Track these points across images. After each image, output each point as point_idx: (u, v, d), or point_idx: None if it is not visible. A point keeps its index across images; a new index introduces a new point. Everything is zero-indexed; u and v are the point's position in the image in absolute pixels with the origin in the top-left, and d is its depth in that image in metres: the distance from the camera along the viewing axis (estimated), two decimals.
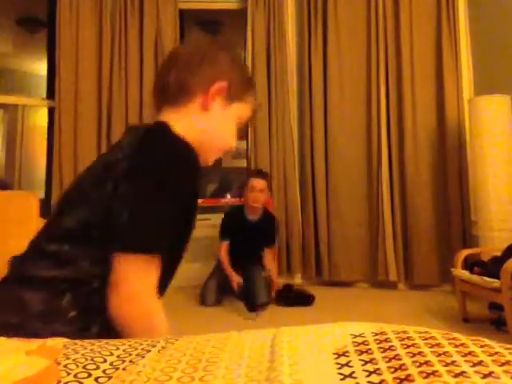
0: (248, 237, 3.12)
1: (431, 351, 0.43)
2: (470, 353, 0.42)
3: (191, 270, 3.43)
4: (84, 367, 0.46)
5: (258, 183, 3.08)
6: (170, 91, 0.92)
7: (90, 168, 0.88)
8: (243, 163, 4.28)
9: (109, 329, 0.76)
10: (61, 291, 0.76)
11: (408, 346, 0.45)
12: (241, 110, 0.96)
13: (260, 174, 3.21)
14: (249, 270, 3.06)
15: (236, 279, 3.05)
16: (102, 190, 0.78)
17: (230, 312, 2.86)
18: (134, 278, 0.75)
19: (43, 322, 0.74)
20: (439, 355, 0.42)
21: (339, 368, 0.43)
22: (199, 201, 3.87)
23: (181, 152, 0.81)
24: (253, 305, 2.83)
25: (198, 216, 4.01)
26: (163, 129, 0.85)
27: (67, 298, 0.75)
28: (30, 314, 0.74)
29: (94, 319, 0.77)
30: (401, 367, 0.41)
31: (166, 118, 0.90)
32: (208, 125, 0.92)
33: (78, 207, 0.80)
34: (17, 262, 0.82)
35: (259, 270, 3.11)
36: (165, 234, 0.77)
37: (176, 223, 0.80)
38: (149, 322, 0.78)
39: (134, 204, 0.76)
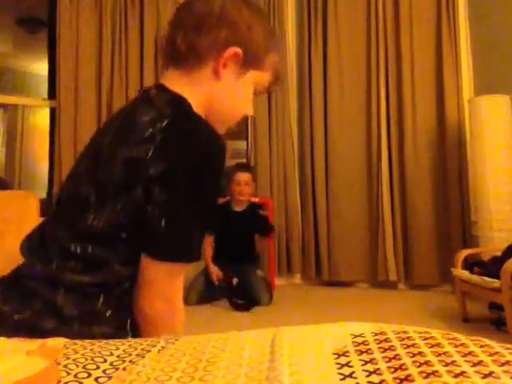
0: (236, 227, 3.12)
1: (431, 351, 0.43)
2: (469, 353, 0.42)
3: (190, 269, 3.42)
4: (84, 367, 0.46)
5: (244, 176, 3.10)
6: (178, 51, 0.82)
7: (99, 158, 0.78)
8: None
9: (136, 327, 0.78)
10: (94, 294, 0.74)
11: (408, 346, 0.45)
12: (259, 77, 0.87)
13: (245, 167, 3.24)
14: (245, 271, 3.06)
15: (215, 271, 3.06)
16: (131, 192, 0.73)
17: (213, 312, 2.85)
18: (168, 280, 0.77)
19: (80, 325, 0.72)
20: (439, 355, 0.42)
21: (339, 368, 0.43)
22: None
23: (215, 149, 0.75)
24: (247, 306, 2.86)
25: None
26: (188, 113, 0.78)
27: (101, 300, 0.75)
28: (65, 318, 0.72)
29: (128, 317, 0.78)
30: (401, 367, 0.41)
31: (174, 82, 0.83)
32: (219, 93, 0.84)
33: (101, 207, 0.74)
34: (37, 256, 0.77)
35: (255, 269, 3.11)
36: (200, 242, 0.77)
37: (206, 224, 0.80)
38: (174, 322, 0.80)
39: (171, 213, 0.73)
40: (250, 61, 0.84)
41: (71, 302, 0.73)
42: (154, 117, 0.75)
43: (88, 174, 0.79)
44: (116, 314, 0.76)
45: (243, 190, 3.09)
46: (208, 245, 3.14)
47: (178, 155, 0.73)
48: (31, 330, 0.69)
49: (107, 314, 0.75)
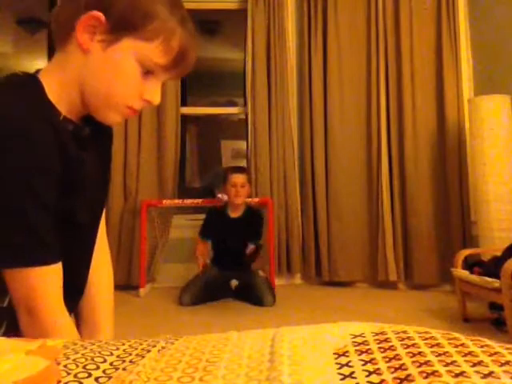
0: (232, 235, 3.12)
1: (431, 351, 0.43)
2: (469, 353, 0.42)
3: (190, 269, 3.42)
4: (84, 367, 0.46)
5: (239, 178, 3.09)
6: (52, 29, 0.74)
7: None
8: (243, 163, 4.28)
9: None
10: None
11: (408, 346, 0.45)
12: (141, 48, 0.72)
13: (240, 169, 3.24)
14: (247, 272, 3.07)
15: (202, 261, 3.14)
16: None
17: (213, 312, 2.85)
18: (24, 289, 0.68)
19: None
20: (439, 355, 0.42)
21: (339, 368, 0.43)
22: (199, 201, 3.81)
23: (10, 131, 0.63)
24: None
25: (197, 216, 3.98)
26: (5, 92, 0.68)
27: None
28: None
29: None
30: (401, 367, 0.41)
31: (48, 64, 0.75)
32: (88, 70, 0.72)
33: None
34: None
35: (257, 270, 3.12)
36: (38, 234, 0.67)
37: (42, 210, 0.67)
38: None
39: None
40: (119, 26, 0.70)
41: None
42: None
43: None
44: None
45: (239, 192, 3.08)
46: (201, 247, 3.21)
47: None
48: None
49: None
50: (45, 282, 0.67)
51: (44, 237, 0.67)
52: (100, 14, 0.69)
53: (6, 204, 0.64)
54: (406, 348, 0.44)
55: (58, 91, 0.72)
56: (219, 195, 3.65)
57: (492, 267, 2.30)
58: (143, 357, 0.49)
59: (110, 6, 0.69)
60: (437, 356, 0.42)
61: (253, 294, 2.97)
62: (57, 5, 0.77)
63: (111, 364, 0.48)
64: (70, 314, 0.75)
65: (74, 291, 0.81)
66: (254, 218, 3.19)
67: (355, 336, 0.49)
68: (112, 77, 0.73)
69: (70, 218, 0.74)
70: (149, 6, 0.71)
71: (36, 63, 5.73)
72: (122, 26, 0.70)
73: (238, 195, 3.08)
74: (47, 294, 0.68)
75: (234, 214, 3.18)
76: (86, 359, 0.48)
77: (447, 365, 0.40)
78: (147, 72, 0.75)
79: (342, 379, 0.41)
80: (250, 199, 3.48)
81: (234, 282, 3.14)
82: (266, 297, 2.94)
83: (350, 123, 3.65)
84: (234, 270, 3.13)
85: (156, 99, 0.77)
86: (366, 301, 3.12)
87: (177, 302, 3.03)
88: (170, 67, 0.76)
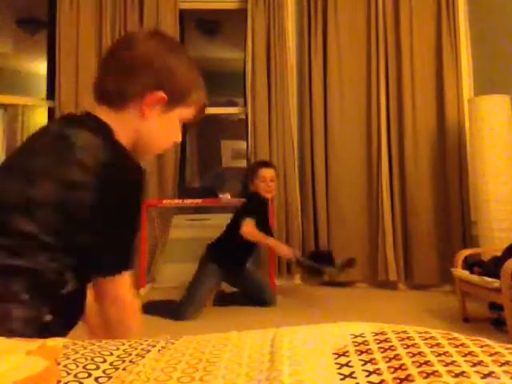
0: (266, 219, 3.06)
1: (431, 351, 0.43)
2: (469, 353, 0.42)
3: (190, 269, 3.42)
4: (84, 367, 0.46)
5: (269, 173, 3.02)
6: (109, 93, 0.91)
7: (29, 177, 0.81)
8: (243, 163, 4.29)
9: (68, 325, 0.84)
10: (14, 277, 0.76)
11: (408, 346, 0.45)
12: (184, 112, 0.96)
13: (268, 164, 3.15)
14: (249, 271, 3.05)
15: (288, 251, 2.86)
16: (62, 212, 0.79)
17: (213, 312, 2.85)
18: (120, 289, 0.85)
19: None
20: (439, 355, 0.42)
21: (339, 368, 0.43)
22: (199, 201, 3.82)
23: (140, 179, 0.86)
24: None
25: (197, 216, 3.97)
26: (116, 143, 0.86)
27: (20, 284, 0.76)
28: None
29: (47, 309, 0.78)
30: (401, 367, 0.41)
31: (103, 115, 0.90)
32: (146, 130, 0.93)
33: (31, 215, 0.78)
34: None
35: (254, 269, 3.10)
36: (131, 253, 0.87)
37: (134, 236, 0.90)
38: (131, 323, 0.88)
39: (109, 235, 0.84)
40: (174, 100, 0.92)
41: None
42: (88, 141, 0.82)
43: (14, 192, 0.80)
44: (33, 300, 0.77)
45: (271, 187, 3.01)
46: (252, 224, 2.82)
47: (113, 186, 0.82)
48: None
49: (22, 298, 0.75)
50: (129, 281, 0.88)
51: (131, 254, 0.89)
52: (164, 96, 0.90)
53: (126, 227, 0.86)
54: (406, 348, 0.44)
55: (120, 139, 0.90)
56: (221, 195, 3.64)
57: (492, 267, 2.30)
58: (143, 357, 0.49)
59: (169, 86, 0.90)
60: (437, 356, 0.42)
61: (256, 294, 2.96)
62: (104, 66, 0.94)
63: (111, 364, 0.48)
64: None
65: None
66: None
67: (355, 336, 0.49)
68: (164, 136, 0.96)
69: None
70: (190, 80, 0.95)
71: (36, 63, 5.73)
72: (176, 100, 0.93)
73: (268, 190, 3.00)
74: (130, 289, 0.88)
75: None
76: (86, 359, 0.48)
77: (447, 365, 0.40)
78: None
79: (342, 379, 0.41)
80: None
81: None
82: (271, 297, 2.93)
83: (350, 123, 3.65)
84: (239, 271, 3.04)
85: (180, 139, 1.00)
86: (366, 301, 3.12)
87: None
88: (196, 119, 1.01)
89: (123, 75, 0.90)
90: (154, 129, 0.93)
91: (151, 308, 2.71)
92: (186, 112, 0.96)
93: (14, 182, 0.81)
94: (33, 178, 0.80)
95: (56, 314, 0.78)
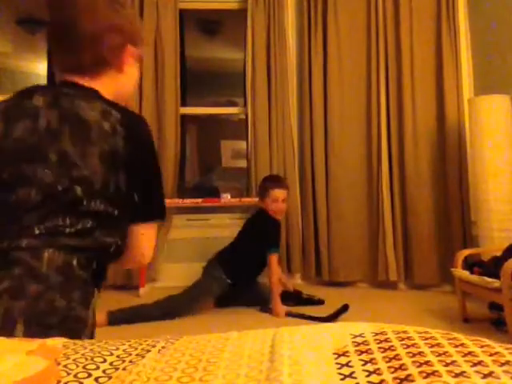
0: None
1: (431, 351, 0.43)
2: (469, 353, 0.42)
3: (190, 269, 3.42)
4: (84, 367, 0.46)
5: (282, 194, 2.92)
6: (87, 66, 0.97)
7: (66, 159, 0.86)
8: (243, 163, 4.28)
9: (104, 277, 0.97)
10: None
11: (408, 346, 0.45)
12: (139, 53, 1.07)
13: (281, 183, 3.00)
14: (254, 284, 3.04)
15: (281, 313, 2.76)
16: (115, 179, 0.89)
17: (213, 312, 2.85)
18: (153, 234, 1.01)
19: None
20: (439, 355, 0.42)
21: (339, 368, 0.43)
22: (199, 201, 3.79)
23: (150, 130, 1.00)
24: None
25: (197, 216, 3.93)
26: (138, 117, 0.98)
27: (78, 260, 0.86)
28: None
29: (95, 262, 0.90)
30: (401, 367, 0.41)
31: (86, 84, 0.96)
32: (123, 84, 1.04)
33: (97, 194, 0.87)
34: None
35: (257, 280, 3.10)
36: (164, 202, 1.02)
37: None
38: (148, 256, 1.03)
39: (148, 186, 0.97)
40: (138, 50, 1.05)
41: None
42: (102, 111, 0.91)
43: (58, 174, 0.86)
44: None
45: (281, 208, 2.92)
46: (275, 259, 2.83)
47: (142, 142, 0.95)
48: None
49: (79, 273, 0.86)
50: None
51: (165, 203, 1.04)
52: (134, 49, 1.03)
53: (159, 179, 1.00)
54: (406, 348, 0.44)
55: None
56: (224, 195, 3.63)
57: (492, 267, 2.30)
58: (143, 357, 0.49)
59: (133, 38, 1.02)
60: (437, 356, 0.42)
61: (260, 296, 2.95)
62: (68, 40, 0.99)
63: (111, 364, 0.48)
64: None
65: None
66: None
67: (355, 336, 0.49)
68: (134, 82, 1.08)
69: None
70: (134, 19, 1.06)
71: (36, 63, 5.73)
72: (138, 49, 1.04)
73: (279, 211, 2.92)
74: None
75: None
76: (86, 359, 0.48)
77: (447, 365, 0.40)
78: None
79: (342, 379, 0.41)
80: (250, 199, 3.47)
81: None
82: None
83: (350, 123, 3.65)
84: (248, 285, 3.02)
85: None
86: (366, 301, 3.11)
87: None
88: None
89: (94, 42, 0.96)
90: (129, 79, 1.05)
91: (119, 319, 2.58)
92: (138, 52, 1.06)
93: (66, 168, 0.87)
94: (87, 161, 0.87)
95: (101, 266, 0.91)
